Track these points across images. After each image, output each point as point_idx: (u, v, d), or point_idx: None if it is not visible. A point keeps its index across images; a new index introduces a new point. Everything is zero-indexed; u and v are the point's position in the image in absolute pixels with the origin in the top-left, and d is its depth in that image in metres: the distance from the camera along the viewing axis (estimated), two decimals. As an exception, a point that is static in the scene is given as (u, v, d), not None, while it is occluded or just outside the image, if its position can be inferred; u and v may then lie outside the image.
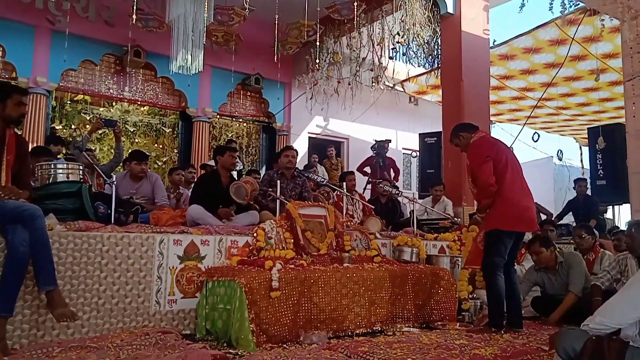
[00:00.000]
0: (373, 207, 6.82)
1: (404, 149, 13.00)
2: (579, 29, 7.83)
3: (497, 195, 4.06)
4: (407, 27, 7.72)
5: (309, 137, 11.48)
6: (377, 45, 8.79)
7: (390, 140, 10.00)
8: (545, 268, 4.80)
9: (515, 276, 4.24)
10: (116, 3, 8.45)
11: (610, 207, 9.32)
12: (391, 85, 10.19)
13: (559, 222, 8.36)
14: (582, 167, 12.64)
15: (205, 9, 7.11)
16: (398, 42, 8.36)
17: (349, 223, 5.16)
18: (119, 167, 6.82)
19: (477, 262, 4.25)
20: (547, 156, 15.65)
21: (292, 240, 4.53)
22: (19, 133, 3.60)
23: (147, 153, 6.55)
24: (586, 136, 10.28)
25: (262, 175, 7.18)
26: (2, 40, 7.92)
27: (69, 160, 5.67)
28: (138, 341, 3.32)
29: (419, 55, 8.70)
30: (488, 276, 4.07)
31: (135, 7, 6.67)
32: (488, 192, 4.04)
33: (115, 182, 4.52)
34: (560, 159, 13.99)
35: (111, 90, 9.19)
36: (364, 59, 9.14)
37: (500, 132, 13.15)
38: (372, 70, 9.14)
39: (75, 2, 8.30)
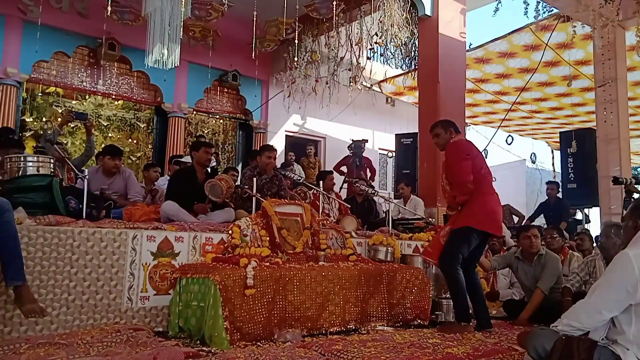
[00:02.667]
0: (349, 206, 6.83)
1: (380, 149, 13.08)
2: (552, 35, 8.00)
3: (474, 195, 4.11)
4: (385, 28, 7.75)
5: (286, 136, 11.46)
6: (355, 45, 8.81)
7: (367, 140, 10.04)
8: (527, 256, 4.87)
9: (477, 277, 4.33)
10: (91, -6, 8.31)
11: (580, 210, 9.52)
12: (368, 85, 10.23)
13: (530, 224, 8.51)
14: (554, 171, 12.91)
15: (183, 3, 7.02)
16: (376, 43, 8.38)
17: (325, 222, 5.16)
18: (91, 161, 6.69)
19: (434, 256, 4.28)
20: (520, 159, 15.95)
21: (268, 238, 4.50)
22: None
23: (121, 148, 6.44)
24: (558, 140, 10.49)
25: (240, 172, 7.13)
26: (-29, 29, 7.71)
27: (39, 153, 5.54)
28: (109, 338, 3.26)
29: (397, 56, 8.74)
30: (449, 270, 4.10)
31: (110, -1, 6.57)
32: (466, 189, 4.08)
33: (87, 177, 4.42)
34: (533, 162, 14.26)
35: (84, 83, 9.02)
36: (342, 58, 9.16)
37: (475, 134, 13.34)
38: (349, 70, 9.16)
39: (48, -8, 8.12)
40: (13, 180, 4.09)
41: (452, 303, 4.67)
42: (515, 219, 8.87)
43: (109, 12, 6.69)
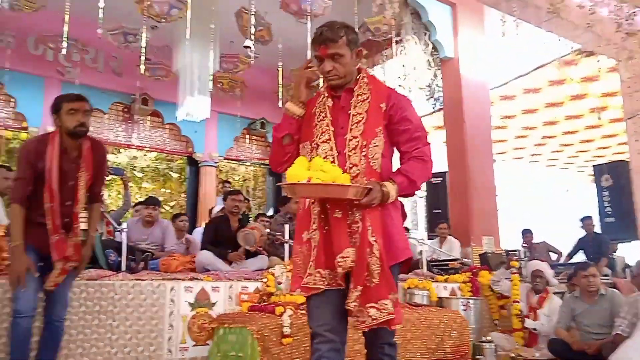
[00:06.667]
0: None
1: (409, 189, 12.98)
2: (577, 69, 8.01)
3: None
4: (407, 72, 7.88)
5: (315, 180, 11.54)
6: (380, 88, 8.93)
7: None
8: (586, 295, 4.62)
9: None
10: (124, 54, 8.64)
11: (621, 244, 9.20)
12: (395, 127, 10.29)
13: (569, 261, 8.25)
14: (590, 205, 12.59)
15: (211, 58, 7.31)
16: (400, 86, 8.51)
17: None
18: (128, 213, 6.86)
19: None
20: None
21: (303, 285, 4.50)
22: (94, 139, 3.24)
23: (158, 198, 6.59)
24: (592, 173, 10.31)
25: (270, 218, 7.19)
26: (13, 92, 8.09)
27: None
28: (150, 392, 3.28)
29: (421, 98, 8.84)
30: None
31: (143, 57, 6.88)
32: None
33: (126, 230, 4.54)
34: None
35: (119, 138, 9.34)
36: (367, 102, 9.27)
37: (503, 169, 13.18)
38: (375, 112, 9.25)
39: (84, 53, 8.47)
40: (56, 236, 4.23)
41: (493, 347, 4.57)
42: (554, 256, 8.62)
43: (142, 70, 6.98)
